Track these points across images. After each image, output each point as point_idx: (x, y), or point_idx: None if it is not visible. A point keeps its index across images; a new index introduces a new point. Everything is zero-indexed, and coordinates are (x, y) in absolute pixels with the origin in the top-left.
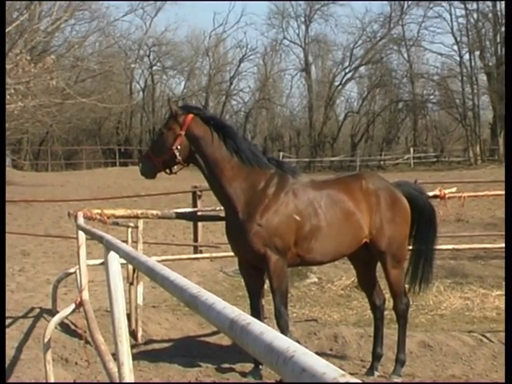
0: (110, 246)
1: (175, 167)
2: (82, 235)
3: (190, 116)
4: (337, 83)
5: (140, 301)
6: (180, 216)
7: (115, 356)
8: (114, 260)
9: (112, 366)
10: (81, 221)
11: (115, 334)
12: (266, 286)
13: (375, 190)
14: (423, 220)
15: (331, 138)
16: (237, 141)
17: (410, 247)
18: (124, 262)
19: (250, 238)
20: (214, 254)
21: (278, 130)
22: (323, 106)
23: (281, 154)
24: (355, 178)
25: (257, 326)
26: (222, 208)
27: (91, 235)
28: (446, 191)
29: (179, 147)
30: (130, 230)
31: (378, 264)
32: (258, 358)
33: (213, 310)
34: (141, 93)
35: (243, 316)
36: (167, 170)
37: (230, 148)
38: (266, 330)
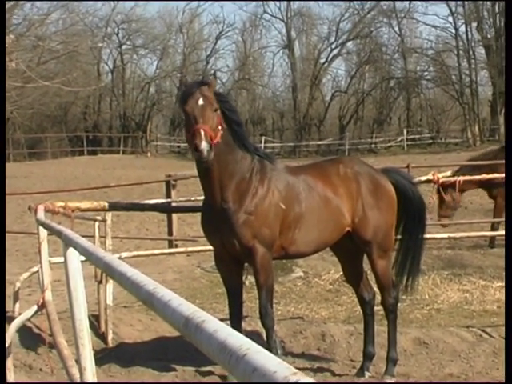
0: (68, 242)
1: None
2: (43, 231)
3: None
4: (322, 60)
5: (110, 301)
6: (153, 208)
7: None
8: (74, 256)
9: (75, 371)
10: (41, 215)
11: (76, 337)
12: (247, 282)
13: (354, 174)
14: (411, 211)
15: (317, 120)
16: (238, 126)
17: (399, 236)
18: (83, 258)
19: (239, 229)
20: (191, 249)
21: (259, 112)
22: (308, 85)
23: (263, 138)
24: (332, 162)
25: (211, 323)
26: (199, 198)
27: (50, 230)
28: (440, 175)
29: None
30: (97, 223)
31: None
32: (211, 358)
33: (168, 307)
34: (109, 74)
35: (198, 313)
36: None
37: (233, 133)
38: (220, 328)
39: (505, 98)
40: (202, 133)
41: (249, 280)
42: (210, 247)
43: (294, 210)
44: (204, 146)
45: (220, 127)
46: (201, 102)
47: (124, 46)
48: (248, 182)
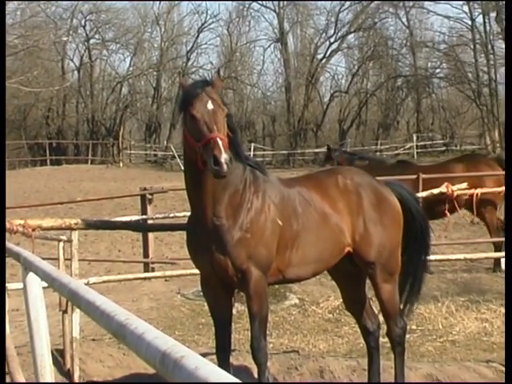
0: (28, 266)
1: None
2: None
3: None
4: (320, 56)
5: (76, 333)
6: (126, 226)
7: None
8: (34, 282)
9: None
10: None
11: (37, 375)
12: (235, 310)
13: (355, 186)
14: (413, 230)
15: (314, 124)
16: (233, 133)
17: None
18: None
19: (234, 248)
20: (170, 273)
21: (248, 115)
22: (304, 84)
23: (252, 145)
24: (329, 173)
25: (192, 359)
26: (178, 214)
27: (7, 252)
28: (454, 187)
29: None
30: (61, 244)
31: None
32: None
33: (143, 340)
34: (76, 72)
35: (177, 348)
36: None
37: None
38: (202, 364)
39: (505, 100)
40: (220, 143)
41: (236, 308)
42: (192, 271)
43: (291, 226)
44: (225, 158)
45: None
46: (210, 105)
47: (92, 41)
48: (242, 195)
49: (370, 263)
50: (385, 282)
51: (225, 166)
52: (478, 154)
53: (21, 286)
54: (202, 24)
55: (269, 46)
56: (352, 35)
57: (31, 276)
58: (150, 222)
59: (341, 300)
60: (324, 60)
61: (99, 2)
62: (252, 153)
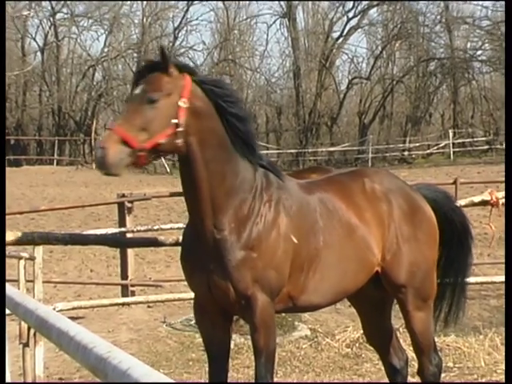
0: None
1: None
2: None
3: (189, 78)
4: (336, 35)
5: (40, 371)
6: (100, 240)
7: None
8: None
9: None
10: None
11: None
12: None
13: (385, 192)
14: (450, 246)
15: (329, 117)
16: (240, 123)
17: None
18: (8, 311)
19: (237, 269)
20: (153, 297)
21: (248, 106)
22: (316, 69)
23: None
24: (353, 175)
25: None
26: (163, 227)
27: None
28: (499, 195)
29: (183, 123)
30: (22, 262)
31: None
32: None
33: (128, 378)
34: (39, 54)
35: None
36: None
37: (230, 132)
38: None
39: (505, 98)
40: (107, 134)
41: (234, 341)
42: (180, 295)
43: (308, 244)
44: (98, 152)
45: (178, 124)
46: (136, 91)
47: (59, 15)
48: (250, 205)
49: (400, 286)
50: (418, 309)
51: (97, 162)
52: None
53: None
54: None
55: (274, 23)
56: (375, 9)
57: None
58: (129, 235)
59: (361, 331)
60: (341, 39)
61: None
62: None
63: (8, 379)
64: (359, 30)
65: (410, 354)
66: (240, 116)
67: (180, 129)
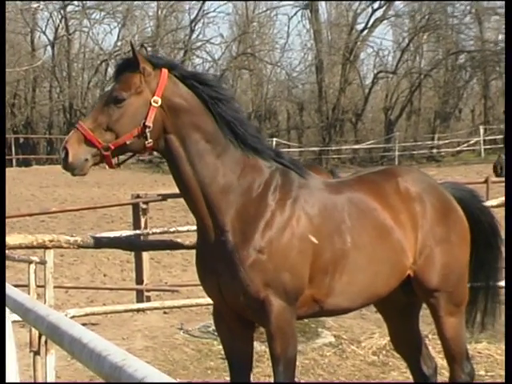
0: None
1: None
2: None
3: (165, 73)
4: (360, 26)
5: (52, 379)
6: (114, 243)
7: None
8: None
9: None
10: None
11: None
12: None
13: (418, 192)
14: (481, 241)
15: (353, 113)
16: (236, 116)
17: None
18: (19, 318)
19: (245, 273)
20: (170, 303)
21: (268, 102)
22: (340, 63)
23: (274, 140)
24: (386, 175)
25: None
26: (180, 229)
27: None
28: None
29: (151, 124)
30: (32, 267)
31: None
32: None
33: None
34: (49, 49)
35: None
36: (114, 161)
37: (224, 127)
38: None
39: (505, 96)
40: (71, 134)
41: (255, 348)
42: (197, 301)
43: (332, 245)
44: (62, 152)
45: (146, 125)
46: (108, 88)
47: (70, 8)
48: (259, 204)
49: (432, 291)
50: (450, 314)
51: (61, 162)
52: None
53: None
54: None
55: (295, 14)
56: (401, 0)
57: None
58: (143, 238)
59: (388, 338)
60: (365, 31)
61: None
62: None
63: None
64: (385, 21)
65: (440, 361)
66: (233, 111)
67: (148, 129)
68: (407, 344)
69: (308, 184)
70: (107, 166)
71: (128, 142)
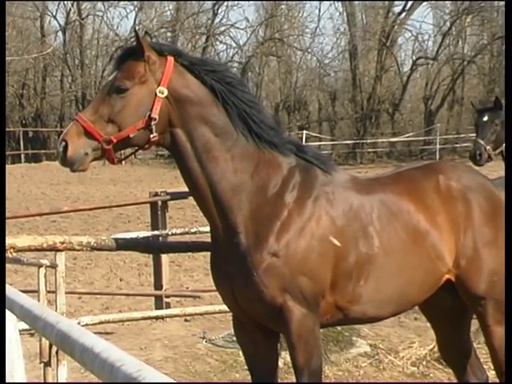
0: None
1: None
2: None
3: (171, 62)
4: (398, 9)
5: None
6: (131, 245)
7: None
8: (9, 323)
9: None
10: None
11: None
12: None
13: (462, 191)
14: None
15: (391, 103)
16: (248, 107)
17: None
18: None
19: (260, 278)
20: (191, 310)
21: (298, 92)
22: (375, 48)
23: (304, 133)
24: (426, 171)
25: None
26: (202, 229)
27: None
28: None
29: (157, 116)
30: (42, 271)
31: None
32: None
33: None
34: (60, 35)
35: None
36: (116, 156)
37: (236, 119)
38: None
39: (505, 97)
40: (71, 126)
41: (283, 359)
42: (221, 307)
43: (356, 249)
44: (60, 145)
45: (152, 117)
46: (110, 78)
47: None
48: (275, 203)
49: (479, 298)
50: (499, 323)
51: (58, 156)
52: None
53: None
54: None
55: None
56: None
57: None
58: (163, 239)
59: (429, 347)
60: (403, 14)
61: None
62: (304, 143)
63: None
64: (424, 3)
65: (492, 373)
66: (250, 101)
67: (154, 122)
68: (456, 353)
69: (333, 181)
70: (108, 162)
71: (131, 135)
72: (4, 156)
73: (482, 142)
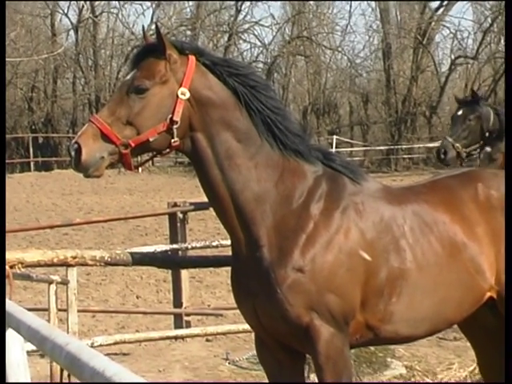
0: (7, 319)
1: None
2: None
3: (193, 61)
4: (435, 4)
5: None
6: (148, 260)
7: None
8: (15, 344)
9: None
10: None
11: None
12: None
13: (503, 199)
14: None
15: (427, 106)
16: (272, 113)
17: None
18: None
19: (284, 295)
20: (213, 329)
21: (327, 94)
22: (411, 47)
23: (334, 138)
24: (464, 179)
25: None
26: (224, 242)
27: None
28: None
29: (179, 119)
30: (53, 287)
31: None
32: None
33: None
34: (72, 34)
35: None
36: (134, 161)
37: (260, 124)
38: None
39: (505, 98)
40: (85, 128)
41: (312, 381)
42: (244, 326)
43: (388, 263)
44: (71, 148)
45: (173, 120)
46: (127, 77)
47: None
48: (300, 215)
49: None
50: None
51: (72, 161)
52: None
53: None
54: None
55: None
56: None
57: (11, 334)
58: (182, 253)
59: (469, 369)
60: (441, 10)
61: None
62: (334, 149)
63: None
64: None
65: None
66: (275, 107)
67: (175, 125)
68: (499, 376)
69: (362, 191)
70: (125, 168)
71: (151, 139)
72: (4, 164)
73: (449, 140)
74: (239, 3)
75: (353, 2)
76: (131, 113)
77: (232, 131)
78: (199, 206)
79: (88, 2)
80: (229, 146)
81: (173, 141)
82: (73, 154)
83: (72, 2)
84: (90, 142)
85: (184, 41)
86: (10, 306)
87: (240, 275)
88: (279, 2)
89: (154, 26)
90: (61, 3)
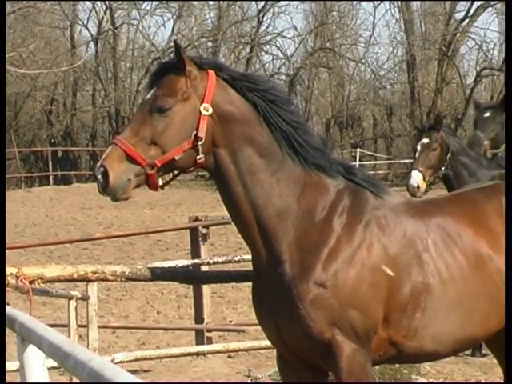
0: (27, 335)
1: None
2: None
3: (213, 76)
4: (460, 15)
5: None
6: (169, 275)
7: None
8: (36, 360)
9: None
10: None
11: None
12: None
13: None
14: None
15: (453, 118)
16: (292, 128)
17: None
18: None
19: (306, 311)
20: (235, 345)
21: (351, 106)
22: (435, 58)
23: (357, 151)
24: (488, 192)
25: None
26: (246, 257)
27: None
28: None
29: (204, 135)
30: (73, 303)
31: None
32: None
33: None
34: (92, 45)
35: None
36: (160, 180)
37: (282, 139)
38: None
39: (505, 100)
40: (110, 150)
41: None
42: (267, 342)
43: (411, 278)
44: (98, 171)
45: (198, 137)
46: (147, 96)
47: None
48: (322, 229)
49: None
50: None
51: (98, 184)
52: None
53: (15, 365)
54: None
55: (382, 2)
56: None
57: (31, 350)
58: (204, 268)
59: None
60: (466, 21)
61: None
62: (357, 162)
63: None
64: (489, 8)
65: None
66: (295, 121)
67: (201, 142)
68: None
69: (385, 205)
70: (150, 188)
71: (177, 158)
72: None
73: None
74: (261, 14)
75: (377, 14)
76: (155, 132)
77: (254, 146)
78: (220, 221)
79: (108, 14)
80: (251, 161)
81: (198, 158)
82: (100, 177)
83: (92, 14)
84: (116, 164)
85: (202, 56)
86: (31, 322)
87: (261, 292)
88: (301, 14)
89: (174, 38)
90: (80, 15)
